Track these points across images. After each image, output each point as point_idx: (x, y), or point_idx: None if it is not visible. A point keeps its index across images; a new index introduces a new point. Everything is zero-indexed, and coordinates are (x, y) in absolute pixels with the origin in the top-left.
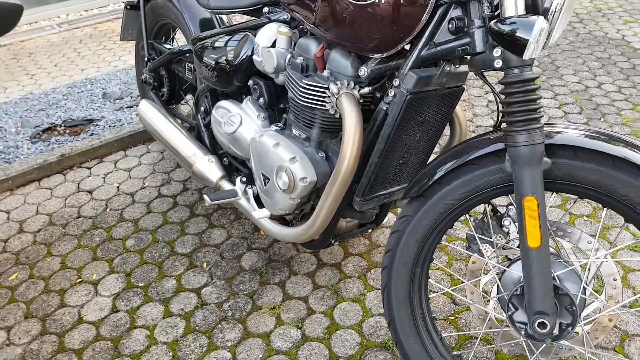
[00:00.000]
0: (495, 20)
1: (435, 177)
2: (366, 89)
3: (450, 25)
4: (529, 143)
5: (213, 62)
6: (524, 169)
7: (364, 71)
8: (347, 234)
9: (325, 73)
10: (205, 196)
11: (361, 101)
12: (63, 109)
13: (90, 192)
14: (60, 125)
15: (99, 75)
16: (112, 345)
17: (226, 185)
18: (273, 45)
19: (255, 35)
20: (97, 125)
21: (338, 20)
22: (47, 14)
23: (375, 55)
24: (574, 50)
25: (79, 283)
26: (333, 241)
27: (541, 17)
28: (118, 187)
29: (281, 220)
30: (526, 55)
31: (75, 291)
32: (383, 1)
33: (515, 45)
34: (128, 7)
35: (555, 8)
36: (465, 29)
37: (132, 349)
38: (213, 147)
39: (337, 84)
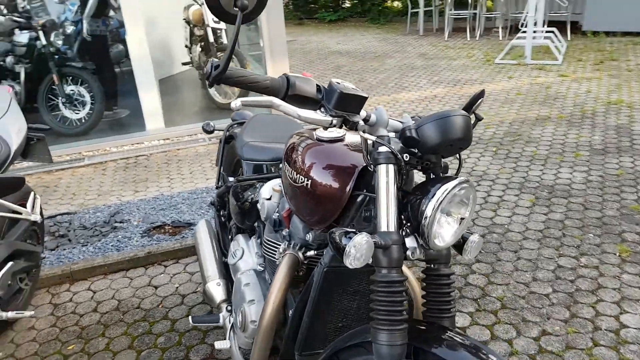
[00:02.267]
0: (334, 229)
1: (331, 353)
2: (312, 252)
3: (363, 214)
4: (388, 343)
5: (235, 202)
6: None
7: (309, 237)
8: None
9: (285, 232)
10: (190, 317)
11: (306, 262)
12: (177, 211)
13: (156, 287)
14: (169, 225)
15: None
16: None
17: (224, 309)
18: (270, 198)
19: None
20: (192, 229)
21: (288, 192)
22: None
23: (315, 227)
24: None
25: None
26: None
27: (363, 234)
28: (177, 287)
29: None
30: (346, 263)
31: None
32: (309, 186)
33: (339, 252)
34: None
35: (430, 214)
36: (372, 220)
37: None
38: None
39: (285, 244)
